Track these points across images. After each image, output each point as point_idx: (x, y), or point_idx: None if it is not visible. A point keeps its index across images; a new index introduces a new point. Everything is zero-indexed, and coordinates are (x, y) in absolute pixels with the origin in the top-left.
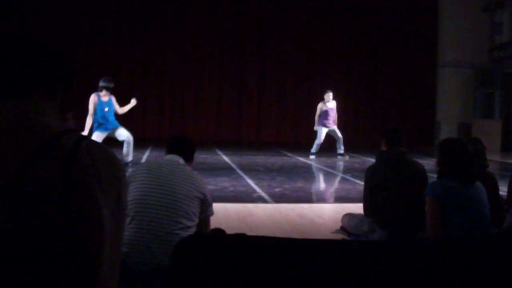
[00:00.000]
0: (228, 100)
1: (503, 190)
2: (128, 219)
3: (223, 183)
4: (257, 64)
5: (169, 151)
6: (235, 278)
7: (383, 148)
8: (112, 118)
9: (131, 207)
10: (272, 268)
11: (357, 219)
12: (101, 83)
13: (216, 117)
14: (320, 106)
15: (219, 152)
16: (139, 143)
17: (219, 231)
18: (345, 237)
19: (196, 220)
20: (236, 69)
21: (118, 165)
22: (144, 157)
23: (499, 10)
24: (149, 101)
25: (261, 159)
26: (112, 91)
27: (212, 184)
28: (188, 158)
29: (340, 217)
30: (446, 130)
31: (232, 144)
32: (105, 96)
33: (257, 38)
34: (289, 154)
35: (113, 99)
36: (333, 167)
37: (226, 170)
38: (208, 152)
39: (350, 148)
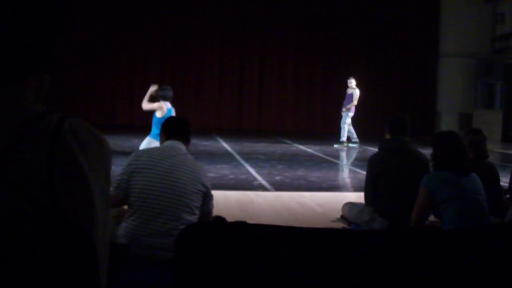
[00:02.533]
0: (229, 88)
1: (503, 181)
2: (130, 211)
3: (224, 170)
4: (258, 51)
5: (168, 137)
6: (235, 266)
7: (387, 136)
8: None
9: (134, 201)
10: (272, 257)
11: (357, 208)
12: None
13: (217, 105)
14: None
15: (220, 140)
16: (140, 131)
17: (220, 219)
18: (346, 226)
19: (198, 213)
20: (237, 57)
21: (103, 142)
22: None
23: (501, 1)
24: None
25: (261, 147)
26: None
27: (212, 171)
28: (187, 140)
29: (340, 206)
30: (447, 120)
31: (232, 132)
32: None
33: (259, 26)
34: (290, 143)
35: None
36: (334, 155)
37: (226, 157)
38: (209, 140)
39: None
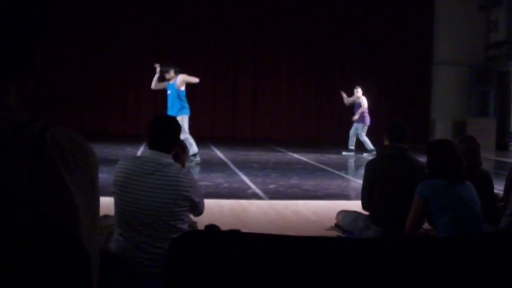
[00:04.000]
0: (223, 96)
1: (497, 189)
2: (118, 231)
3: (218, 179)
4: (252, 60)
5: (150, 146)
6: (229, 274)
7: (385, 143)
8: (170, 104)
9: (118, 225)
10: (266, 265)
11: (351, 216)
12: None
13: (211, 113)
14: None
15: (214, 148)
16: (134, 139)
17: (213, 227)
18: (340, 234)
19: (186, 225)
20: (231, 65)
21: (87, 151)
22: (139, 154)
23: (495, 9)
24: (143, 97)
25: (255, 155)
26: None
27: (206, 180)
28: (172, 148)
29: (334, 214)
30: (441, 128)
31: (226, 141)
32: (171, 78)
33: (252, 34)
34: (284, 151)
35: (178, 79)
36: (328, 164)
37: (220, 166)
38: (203, 148)
39: (345, 145)
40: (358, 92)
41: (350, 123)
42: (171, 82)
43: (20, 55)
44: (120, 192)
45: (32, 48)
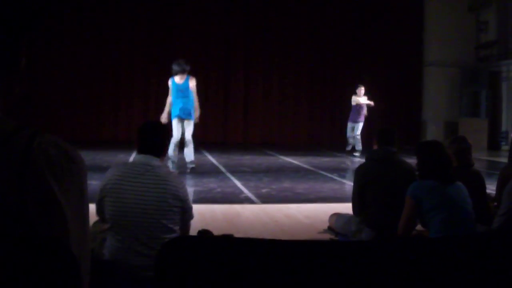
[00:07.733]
0: (214, 101)
1: (490, 189)
2: (112, 232)
3: (210, 184)
4: (243, 65)
5: (140, 151)
6: (222, 280)
7: (375, 147)
8: (184, 105)
9: (111, 226)
10: (260, 270)
11: (344, 219)
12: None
13: (202, 118)
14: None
15: (206, 153)
16: (125, 145)
17: (206, 232)
18: (333, 237)
19: (177, 228)
20: (222, 70)
21: (75, 159)
22: (131, 160)
23: (485, 9)
24: (134, 102)
25: (247, 160)
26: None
27: (199, 185)
28: (162, 153)
29: (327, 217)
30: (432, 129)
31: (218, 145)
32: (180, 79)
33: (243, 39)
34: (276, 155)
35: (191, 83)
36: (320, 167)
37: (213, 171)
38: (195, 153)
39: (337, 147)
40: (362, 91)
41: (342, 127)
42: (182, 81)
43: (3, 55)
44: (113, 196)
45: (16, 48)
